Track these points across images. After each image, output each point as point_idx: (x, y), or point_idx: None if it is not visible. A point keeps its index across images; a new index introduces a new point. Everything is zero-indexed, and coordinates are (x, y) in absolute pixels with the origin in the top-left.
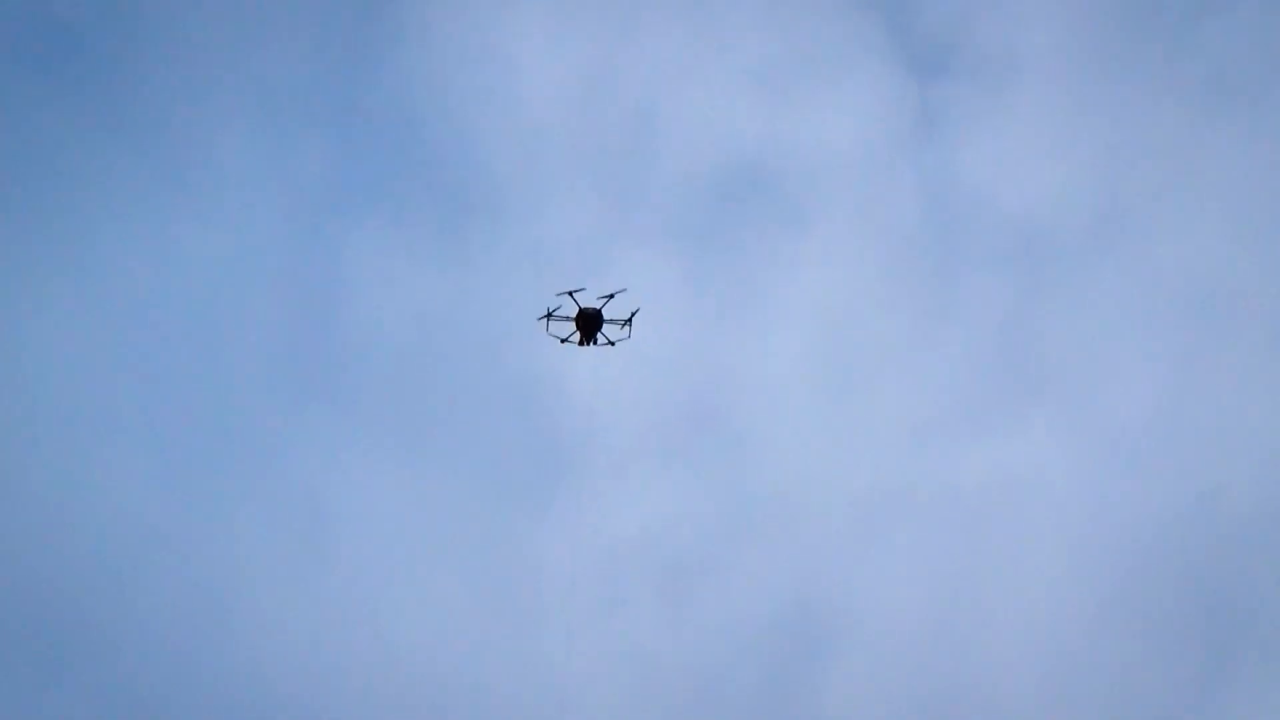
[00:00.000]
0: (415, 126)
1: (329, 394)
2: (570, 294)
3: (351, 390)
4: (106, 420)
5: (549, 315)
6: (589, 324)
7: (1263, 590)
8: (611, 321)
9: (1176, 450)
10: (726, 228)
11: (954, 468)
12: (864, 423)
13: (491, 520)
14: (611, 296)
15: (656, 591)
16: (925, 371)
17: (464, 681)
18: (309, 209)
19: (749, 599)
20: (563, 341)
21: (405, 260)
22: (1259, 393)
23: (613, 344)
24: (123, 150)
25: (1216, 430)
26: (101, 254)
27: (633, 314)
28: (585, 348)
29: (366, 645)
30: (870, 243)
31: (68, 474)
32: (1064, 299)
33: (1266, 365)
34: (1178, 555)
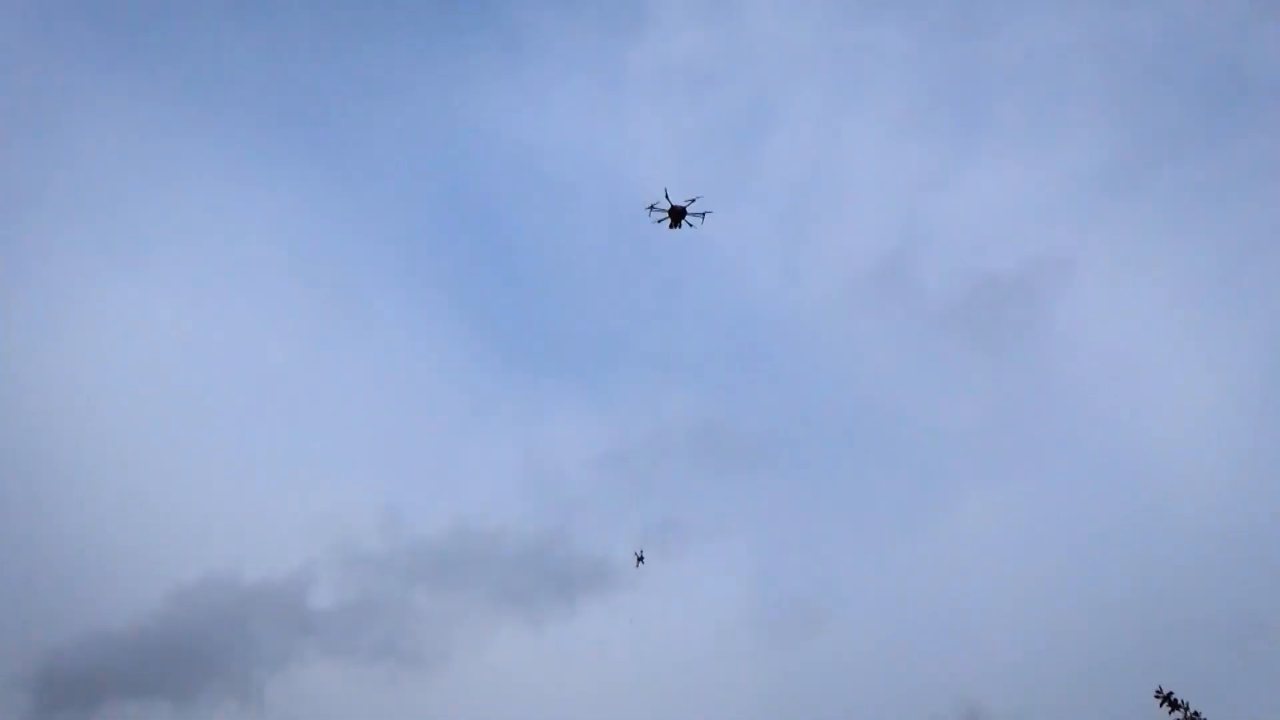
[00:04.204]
0: None
1: None
2: (666, 196)
3: None
4: None
5: (652, 207)
6: (677, 215)
7: None
8: (692, 214)
9: None
10: None
11: None
12: None
13: None
14: (693, 201)
15: None
16: None
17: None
18: None
19: None
20: (659, 221)
21: None
22: None
23: (691, 225)
24: None
25: None
26: None
27: (704, 213)
28: (674, 229)
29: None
30: None
31: None
32: None
33: None
34: None
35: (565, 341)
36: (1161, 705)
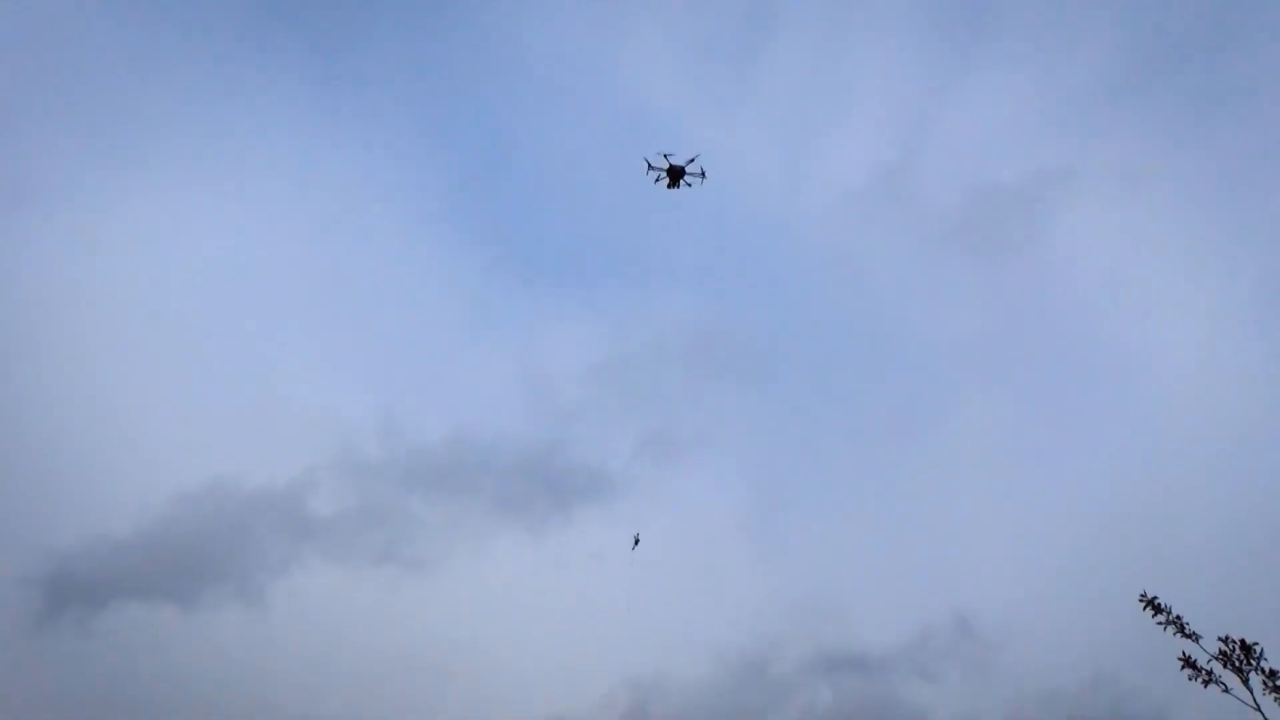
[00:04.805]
0: None
1: None
2: (665, 156)
3: None
4: None
5: (650, 167)
6: (675, 175)
7: None
8: (690, 175)
9: None
10: None
11: None
12: None
13: None
14: (692, 160)
15: None
16: None
17: None
18: None
19: None
20: (656, 181)
21: None
22: None
23: (690, 185)
24: None
25: None
26: None
27: (703, 171)
28: (672, 189)
29: None
30: None
31: None
32: None
33: None
34: None
35: (563, 251)
36: (1145, 609)
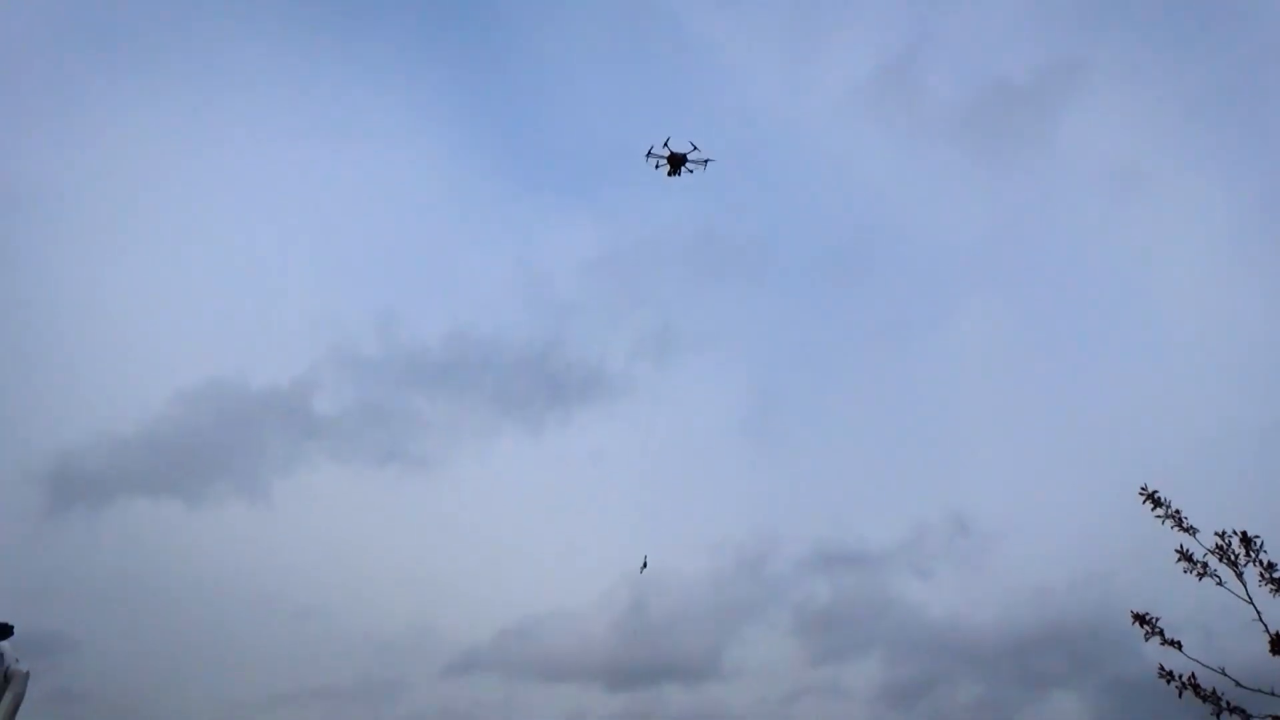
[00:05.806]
0: None
1: None
2: (665, 144)
3: None
4: None
5: (650, 153)
6: (676, 163)
7: None
8: (692, 162)
9: None
10: None
11: None
12: None
13: None
14: (695, 148)
15: None
16: None
17: None
18: None
19: None
20: (656, 168)
21: None
22: None
23: (691, 172)
24: None
25: None
26: None
27: (706, 160)
28: (672, 177)
29: None
30: None
31: None
32: None
33: None
34: None
35: (560, 146)
36: (1145, 503)
